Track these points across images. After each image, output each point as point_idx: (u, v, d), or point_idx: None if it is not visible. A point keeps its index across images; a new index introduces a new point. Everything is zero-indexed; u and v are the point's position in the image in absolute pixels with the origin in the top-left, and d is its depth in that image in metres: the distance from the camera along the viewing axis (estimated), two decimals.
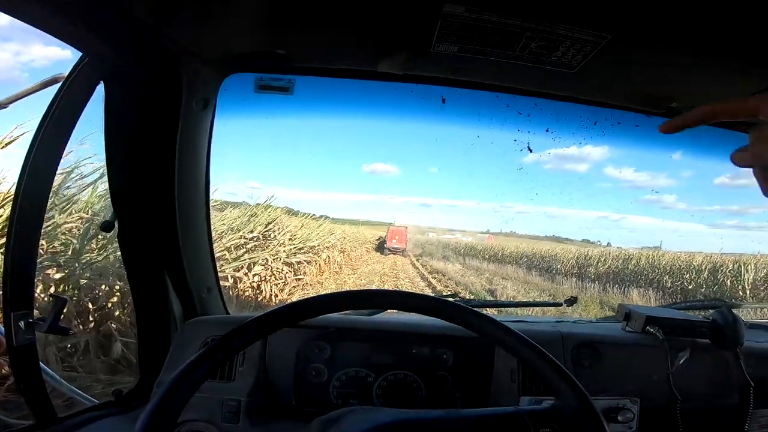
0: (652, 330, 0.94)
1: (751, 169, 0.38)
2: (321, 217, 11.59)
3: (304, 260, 8.30)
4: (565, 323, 1.06)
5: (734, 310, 0.97)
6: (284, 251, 7.23)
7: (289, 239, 7.92)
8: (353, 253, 15.66)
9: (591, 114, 0.90)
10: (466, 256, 21.15)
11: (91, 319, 2.90)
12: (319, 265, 9.59)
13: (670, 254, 13.30)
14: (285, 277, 7.08)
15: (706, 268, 11.20)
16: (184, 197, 0.90)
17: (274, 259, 6.68)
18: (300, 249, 8.25)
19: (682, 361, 0.91)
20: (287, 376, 0.91)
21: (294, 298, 6.86)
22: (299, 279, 7.77)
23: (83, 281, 2.93)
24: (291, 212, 9.80)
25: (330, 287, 8.51)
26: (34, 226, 0.74)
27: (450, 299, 0.66)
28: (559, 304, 1.26)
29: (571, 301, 1.26)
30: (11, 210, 0.72)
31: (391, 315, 1.18)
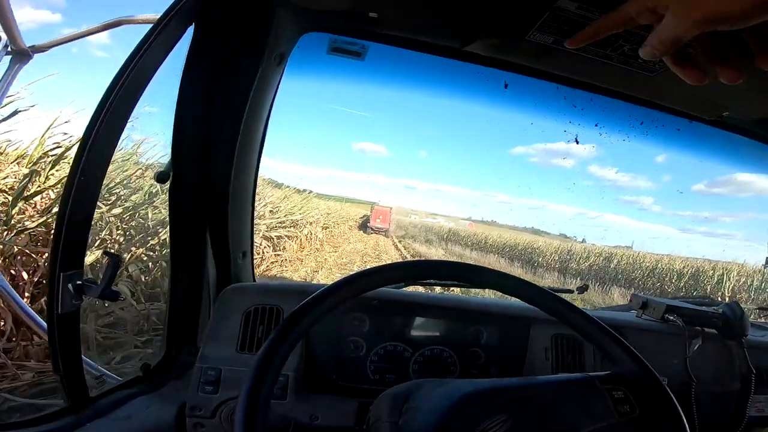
0: (671, 318, 1.04)
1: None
2: (305, 191, 11.47)
3: (285, 235, 8.20)
4: None
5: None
6: (264, 224, 7.08)
7: (270, 211, 7.78)
8: (336, 230, 15.68)
9: (639, 113, 0.96)
10: (449, 242, 21.54)
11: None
12: (300, 240, 9.54)
13: (652, 256, 13.83)
14: (263, 252, 6.96)
15: (687, 272, 11.73)
16: (242, 153, 0.90)
17: None
18: (281, 223, 8.16)
19: (696, 347, 1.01)
20: (328, 350, 0.93)
21: (271, 275, 6.82)
22: (278, 255, 7.70)
23: (17, 248, 2.49)
24: (275, 184, 9.66)
25: (310, 265, 8.51)
26: (98, 176, 0.68)
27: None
28: (570, 291, 1.34)
29: (582, 289, 1.36)
30: (77, 154, 0.65)
31: (422, 289, 1.23)
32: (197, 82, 0.76)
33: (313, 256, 9.61)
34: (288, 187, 10.34)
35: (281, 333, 0.52)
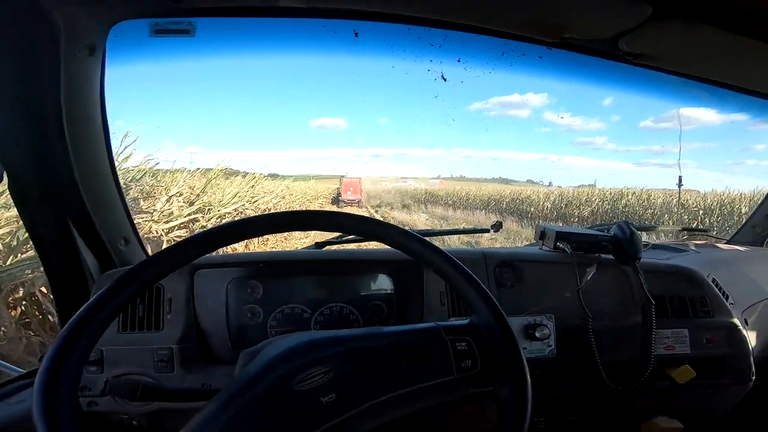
0: (561, 245, 1.11)
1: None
2: (247, 173, 10.95)
3: None
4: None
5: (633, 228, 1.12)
6: (173, 228, 5.70)
7: (182, 206, 6.80)
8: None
9: (498, 45, 1.07)
10: (428, 203, 21.77)
11: None
12: None
13: (658, 193, 13.87)
14: None
15: (718, 204, 11.75)
16: (79, 145, 0.98)
17: None
18: (219, 219, 7.61)
19: (589, 276, 1.07)
20: (220, 320, 1.02)
21: None
22: None
23: None
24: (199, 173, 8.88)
25: None
26: None
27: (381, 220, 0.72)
28: (486, 230, 1.48)
29: (497, 227, 1.47)
30: None
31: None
32: None
33: (280, 248, 9.44)
34: (235, 171, 9.76)
35: (104, 295, 0.55)
